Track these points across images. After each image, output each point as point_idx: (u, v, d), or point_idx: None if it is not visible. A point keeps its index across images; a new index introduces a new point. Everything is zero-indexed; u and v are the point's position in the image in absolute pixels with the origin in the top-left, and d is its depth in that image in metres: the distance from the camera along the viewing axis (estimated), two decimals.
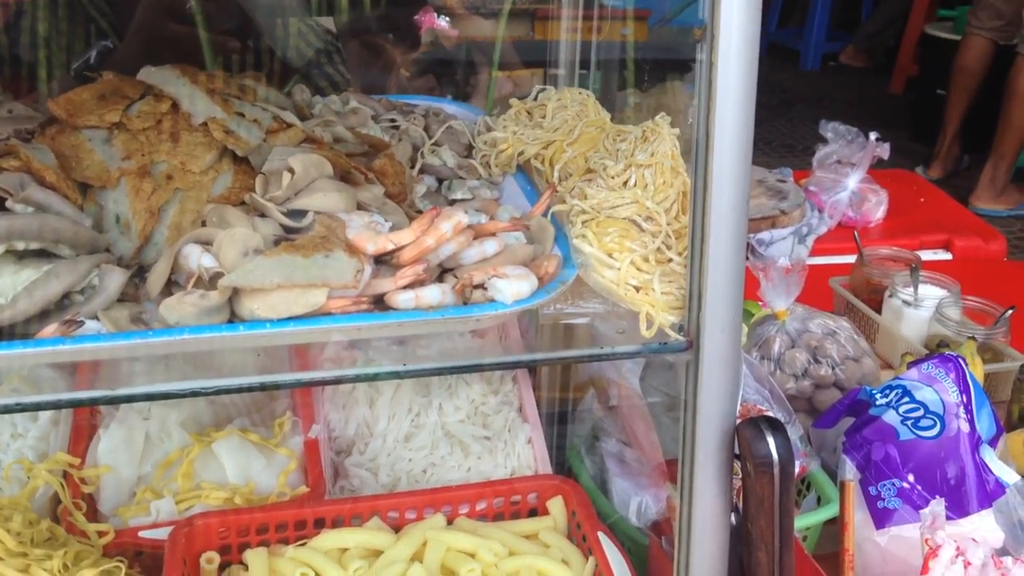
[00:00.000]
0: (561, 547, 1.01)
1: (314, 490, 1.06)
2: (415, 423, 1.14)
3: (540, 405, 1.22)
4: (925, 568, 0.78)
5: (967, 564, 0.77)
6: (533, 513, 1.07)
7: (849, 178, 2.48)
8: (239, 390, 0.71)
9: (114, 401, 0.67)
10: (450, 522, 1.03)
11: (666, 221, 0.81)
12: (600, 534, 1.00)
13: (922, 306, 1.59)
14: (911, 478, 1.12)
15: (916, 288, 1.60)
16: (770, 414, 1.13)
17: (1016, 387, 1.41)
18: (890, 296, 1.62)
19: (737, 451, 0.79)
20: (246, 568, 0.97)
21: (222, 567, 0.99)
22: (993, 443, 1.16)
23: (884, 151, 2.45)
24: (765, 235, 2.27)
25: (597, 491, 1.17)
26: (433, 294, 0.73)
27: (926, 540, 0.79)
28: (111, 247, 0.77)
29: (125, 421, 1.09)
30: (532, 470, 1.13)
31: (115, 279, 0.72)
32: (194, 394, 0.69)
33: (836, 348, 1.30)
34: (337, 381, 0.73)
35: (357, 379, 0.72)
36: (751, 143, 0.71)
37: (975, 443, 1.12)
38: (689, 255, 0.75)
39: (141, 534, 0.99)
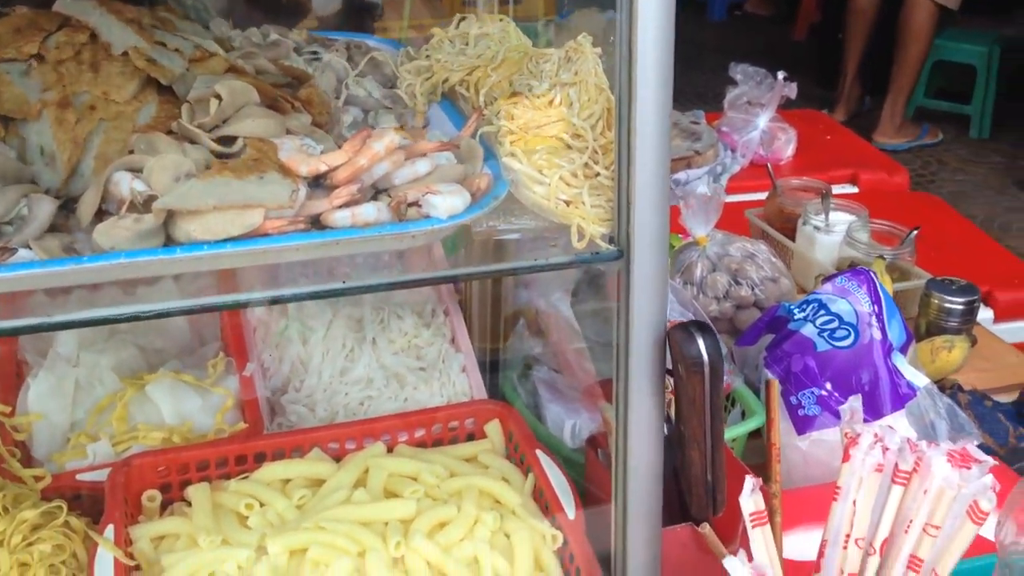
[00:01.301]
0: (501, 467, 1.04)
1: (252, 427, 1.06)
2: (349, 358, 1.15)
3: (472, 338, 1.24)
4: (846, 456, 0.82)
5: (885, 449, 0.82)
6: (471, 438, 1.10)
7: (759, 118, 2.55)
8: (179, 312, 0.71)
9: (52, 328, 0.67)
10: (390, 451, 1.05)
11: (592, 137, 0.83)
12: (538, 452, 1.03)
13: (833, 231, 1.65)
14: (829, 386, 1.18)
15: (827, 214, 1.67)
16: None
17: (923, 302, 1.48)
18: (803, 223, 1.68)
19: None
20: (188, 504, 0.98)
21: (164, 505, 0.99)
22: (903, 350, 1.22)
23: (791, 91, 2.52)
24: (681, 175, 2.32)
25: (532, 418, 1.20)
26: (369, 211, 0.74)
27: (846, 433, 0.84)
28: (36, 179, 0.76)
29: (53, 369, 1.07)
30: (468, 398, 1.16)
31: (44, 208, 0.71)
32: (135, 318, 0.69)
33: (755, 270, 1.35)
34: (276, 300, 0.74)
35: (295, 298, 0.73)
36: (672, 52, 0.73)
37: (887, 350, 1.18)
38: (616, 168, 0.78)
39: (79, 476, 0.98)
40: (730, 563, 0.74)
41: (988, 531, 0.93)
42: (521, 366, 1.28)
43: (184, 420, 1.06)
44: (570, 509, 0.97)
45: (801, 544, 0.91)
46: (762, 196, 1.99)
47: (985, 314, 2.00)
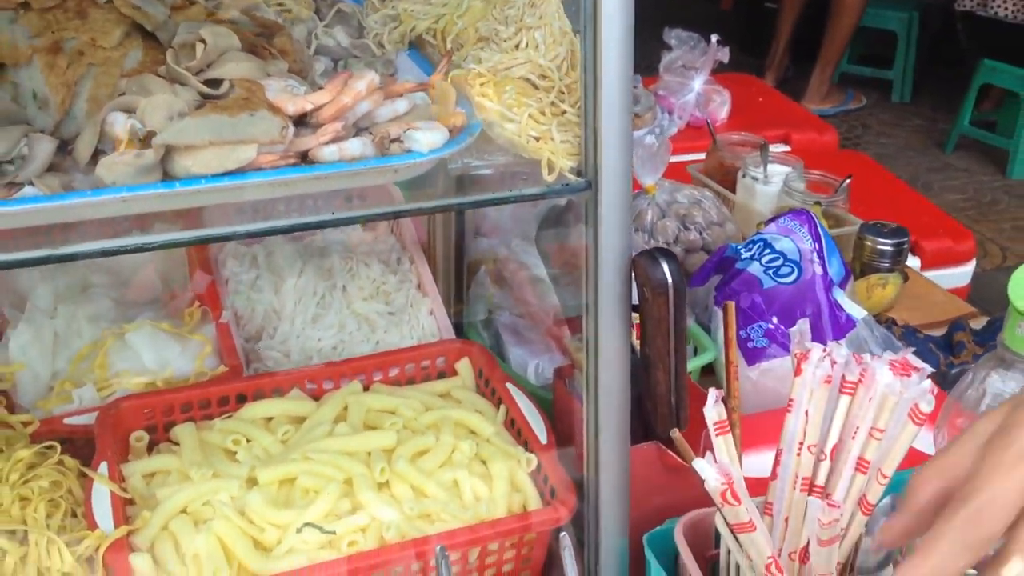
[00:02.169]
0: (473, 401, 1.09)
1: (232, 370, 1.10)
2: (320, 305, 1.19)
3: (437, 287, 1.29)
4: (798, 371, 0.89)
5: (833, 362, 0.89)
6: (442, 376, 1.15)
7: (694, 81, 2.62)
8: (184, 243, 0.75)
9: (61, 259, 0.70)
10: (366, 389, 1.10)
11: (558, 77, 0.89)
12: (508, 384, 1.09)
13: (771, 182, 1.73)
14: (775, 320, 1.25)
15: (765, 166, 1.75)
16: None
17: (857, 245, 1.57)
18: (742, 176, 1.76)
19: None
20: (174, 445, 1.01)
21: (150, 447, 1.02)
22: (843, 285, 1.30)
23: (724, 55, 2.60)
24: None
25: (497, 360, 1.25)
26: (355, 146, 0.78)
27: (797, 352, 0.91)
28: (31, 123, 0.78)
29: (32, 321, 1.10)
30: (436, 339, 1.21)
31: (44, 147, 0.74)
32: (139, 249, 0.73)
33: (702, 215, 1.42)
34: (271, 232, 0.78)
35: (292, 229, 0.77)
36: None
37: (828, 284, 1.26)
38: (583, 103, 0.83)
39: (67, 420, 1.01)
40: (699, 464, 0.81)
41: (926, 445, 1.02)
42: (484, 312, 1.33)
43: (165, 366, 1.09)
44: (541, 435, 1.03)
45: (755, 464, 0.99)
46: (700, 156, 2.07)
47: (912, 262, 2.12)
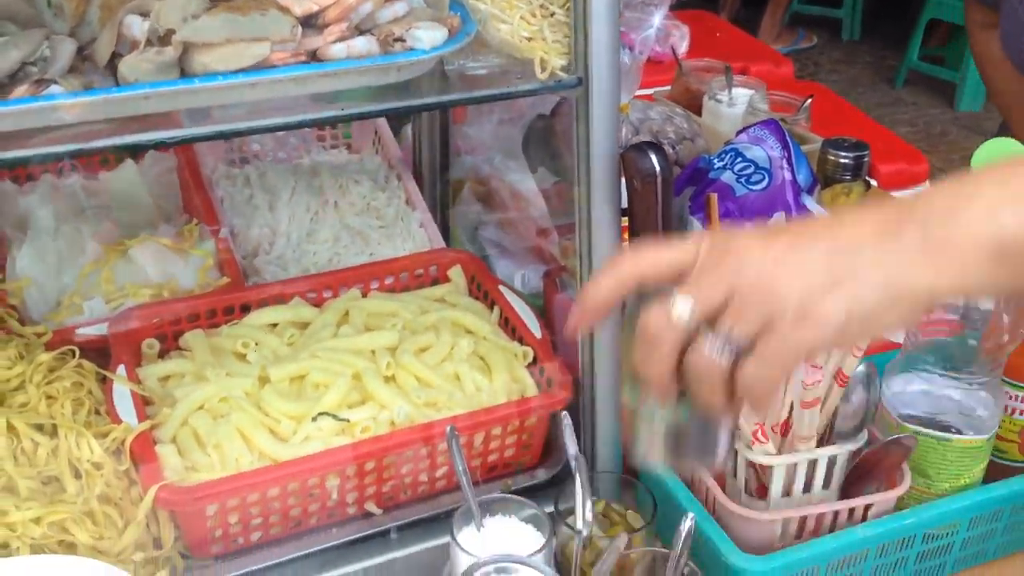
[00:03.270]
0: (467, 304, 1.14)
1: (234, 281, 1.14)
2: (314, 220, 1.24)
3: (424, 201, 1.33)
4: None
5: None
6: (436, 284, 1.20)
7: (654, 16, 2.65)
8: (206, 137, 0.78)
9: (93, 153, 0.74)
10: (364, 297, 1.14)
11: None
12: (500, 287, 1.14)
13: (736, 104, 1.79)
14: (747, 225, 1.32)
15: (730, 89, 1.80)
16: None
17: (820, 160, 1.64)
18: (708, 99, 1.82)
19: None
20: (184, 352, 1.05)
21: (161, 355, 1.06)
22: (810, 191, 1.37)
23: None
24: None
25: None
26: (361, 44, 0.82)
27: None
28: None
29: (36, 241, 1.13)
30: (428, 249, 1.25)
31: (67, 48, 0.77)
32: (161, 144, 0.77)
33: (674, 130, 1.47)
34: (285, 127, 0.82)
35: (305, 124, 0.81)
36: None
37: (796, 190, 1.33)
38: (572, 3, 0.88)
39: (79, 331, 1.05)
40: None
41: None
42: (469, 228, 1.38)
43: (169, 279, 1.13)
44: (536, 330, 1.08)
45: None
46: (664, 89, 2.12)
47: (875, 186, 2.20)
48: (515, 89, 0.89)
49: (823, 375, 0.85)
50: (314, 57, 0.82)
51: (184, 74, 0.78)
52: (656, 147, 0.93)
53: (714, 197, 1.00)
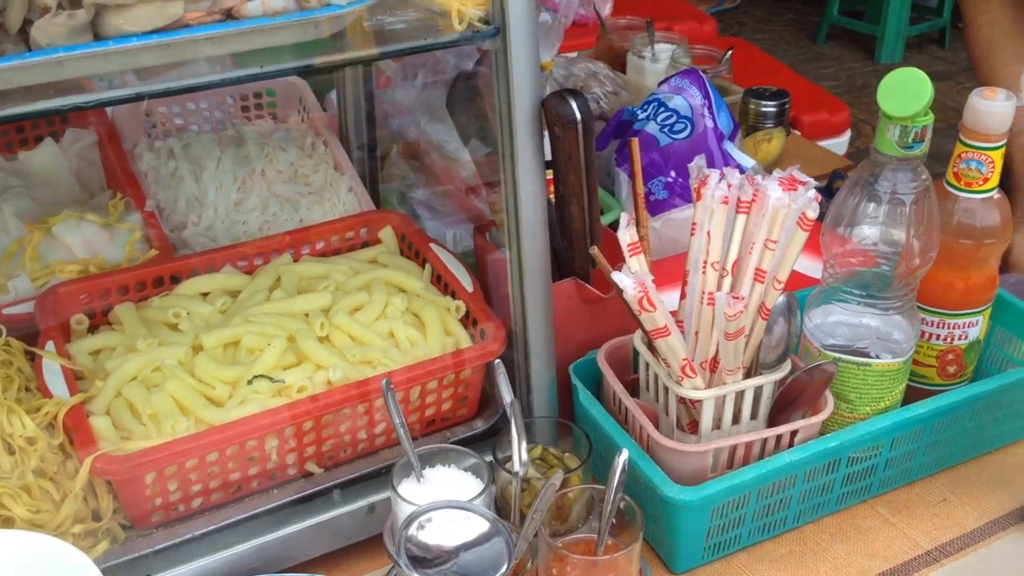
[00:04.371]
0: (399, 263, 1.15)
1: (163, 253, 1.13)
2: (242, 189, 1.23)
3: (353, 167, 1.34)
4: (699, 196, 0.98)
5: (729, 184, 0.98)
6: (367, 246, 1.20)
7: None
8: (123, 100, 0.78)
9: (8, 121, 0.73)
10: (295, 262, 1.14)
11: None
12: (431, 244, 1.15)
13: (659, 59, 1.81)
14: (673, 173, 1.34)
15: (652, 45, 1.82)
16: None
17: (742, 110, 1.67)
18: (631, 55, 1.84)
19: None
20: (115, 326, 1.05)
21: (91, 331, 1.06)
22: (732, 138, 1.40)
23: None
24: None
25: None
26: (277, 1, 0.82)
27: (697, 180, 0.99)
28: None
29: None
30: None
31: None
32: (76, 108, 0.76)
33: (598, 85, 1.49)
34: (206, 86, 0.81)
35: (223, 84, 0.80)
36: None
37: (719, 137, 1.35)
38: None
39: (5, 311, 1.03)
40: (616, 276, 0.89)
41: (816, 272, 1.12)
42: (398, 191, 1.39)
43: (95, 254, 1.11)
44: (468, 284, 1.09)
45: (665, 302, 1.07)
46: (588, 51, 2.13)
47: (794, 134, 2.24)
48: (434, 41, 0.90)
49: (744, 306, 0.88)
50: (229, 16, 0.82)
51: (97, 37, 0.77)
52: (576, 93, 0.94)
53: (635, 142, 1.01)
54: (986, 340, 1.14)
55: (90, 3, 0.75)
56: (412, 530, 0.84)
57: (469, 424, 1.07)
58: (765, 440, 0.97)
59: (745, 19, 4.78)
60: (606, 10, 2.75)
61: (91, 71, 0.78)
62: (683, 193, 1.33)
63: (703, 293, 0.98)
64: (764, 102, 1.64)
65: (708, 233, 0.98)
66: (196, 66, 0.82)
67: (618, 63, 1.89)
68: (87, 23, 0.75)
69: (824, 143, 2.35)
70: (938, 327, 1.07)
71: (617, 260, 0.94)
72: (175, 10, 0.77)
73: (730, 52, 1.79)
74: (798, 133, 2.33)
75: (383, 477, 1.00)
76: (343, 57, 0.87)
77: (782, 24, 4.74)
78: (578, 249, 1.03)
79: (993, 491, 1.07)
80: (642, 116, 1.38)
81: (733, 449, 0.97)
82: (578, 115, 0.93)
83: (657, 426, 1.00)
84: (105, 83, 0.80)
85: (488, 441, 1.02)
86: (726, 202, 0.97)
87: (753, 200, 0.98)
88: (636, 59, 1.82)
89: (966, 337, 1.07)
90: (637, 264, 0.95)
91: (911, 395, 1.05)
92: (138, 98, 0.80)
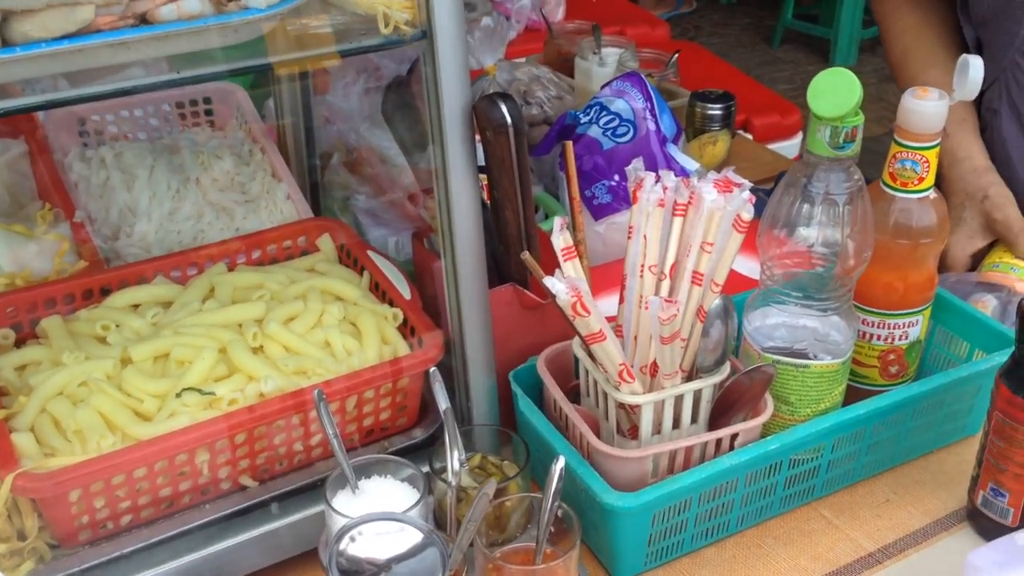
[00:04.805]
0: (337, 272, 1.13)
1: (93, 265, 1.11)
2: (176, 198, 1.21)
3: (292, 176, 1.32)
4: (635, 199, 0.97)
5: (665, 187, 0.97)
6: (305, 255, 1.18)
7: None
8: (35, 108, 0.76)
9: None
10: (231, 271, 1.12)
11: None
12: (369, 252, 1.13)
13: (606, 63, 1.81)
14: (616, 177, 1.34)
15: (599, 48, 1.82)
16: None
17: (688, 114, 1.67)
18: (579, 59, 1.83)
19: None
20: (42, 340, 1.02)
21: (17, 346, 1.03)
22: (675, 140, 1.39)
23: None
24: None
25: None
26: (193, 5, 0.80)
27: (633, 183, 0.98)
28: None
29: None
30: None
31: None
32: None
33: (542, 89, 1.48)
34: (118, 93, 0.79)
35: (139, 89, 0.78)
36: None
37: (662, 140, 1.35)
38: None
39: None
40: (549, 281, 0.88)
41: (753, 272, 1.11)
42: (340, 199, 1.37)
43: (22, 267, 1.09)
44: (405, 292, 1.08)
45: (610, 307, 1.06)
46: (536, 56, 2.13)
47: (746, 137, 2.25)
48: (358, 45, 0.88)
49: (678, 309, 0.87)
50: (144, 21, 0.80)
51: (6, 44, 0.75)
52: (506, 97, 0.93)
53: (569, 145, 1.00)
54: (928, 340, 1.15)
55: None
56: (343, 543, 0.82)
57: (408, 434, 1.05)
58: (705, 444, 0.96)
59: (701, 23, 4.80)
60: (559, 15, 2.75)
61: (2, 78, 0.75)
62: (627, 197, 1.32)
63: (642, 297, 0.98)
64: (710, 105, 1.64)
65: (644, 236, 0.97)
66: (114, 72, 0.80)
67: (566, 68, 1.89)
68: None
69: (775, 146, 2.36)
70: (878, 327, 1.07)
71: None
72: (85, 15, 0.75)
73: (676, 55, 1.79)
74: (749, 136, 2.33)
75: (321, 489, 0.98)
76: (261, 62, 0.85)
77: (738, 28, 4.77)
78: (515, 255, 1.01)
79: (936, 491, 1.07)
80: (584, 120, 1.37)
81: (673, 454, 0.96)
82: (508, 119, 0.92)
83: (598, 432, 0.99)
84: (28, 89, 0.78)
85: (428, 450, 1.00)
86: (662, 205, 0.96)
87: (689, 203, 0.97)
88: (583, 63, 1.82)
89: (907, 337, 1.07)
90: (572, 269, 0.94)
91: (854, 396, 1.05)
92: (52, 105, 0.78)
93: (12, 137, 1.26)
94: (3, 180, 1.22)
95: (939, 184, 1.35)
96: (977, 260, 1.32)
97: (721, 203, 0.94)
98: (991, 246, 1.31)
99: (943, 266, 1.30)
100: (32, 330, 1.04)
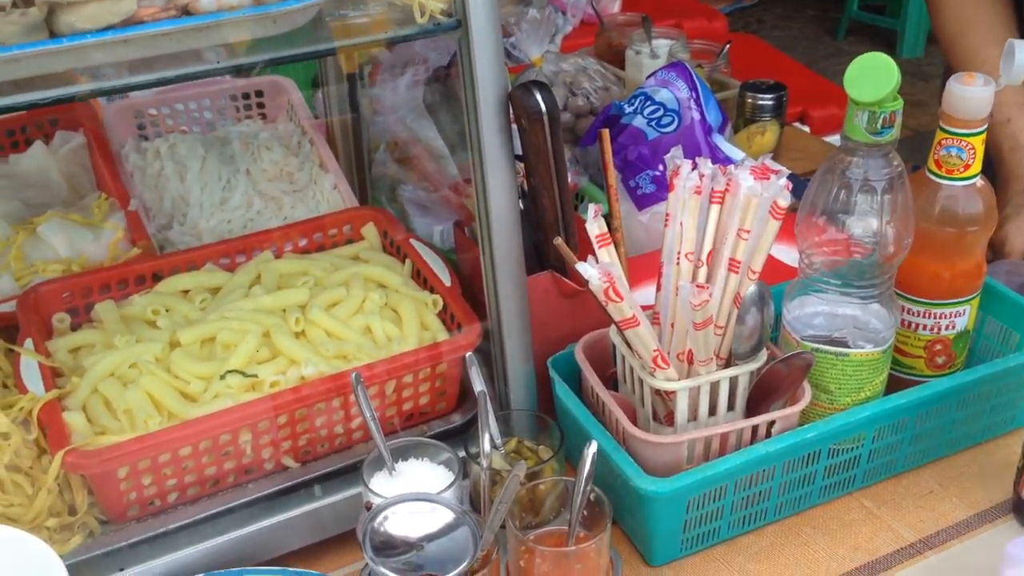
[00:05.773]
0: (380, 259, 1.15)
1: (145, 252, 1.14)
2: (227, 188, 1.24)
3: (339, 167, 1.34)
4: (671, 187, 0.97)
5: (701, 175, 0.97)
6: (350, 243, 1.20)
7: None
8: (83, 95, 0.79)
9: None
10: (277, 258, 1.15)
11: None
12: (412, 240, 1.15)
13: (657, 55, 1.80)
14: (660, 167, 1.33)
15: (650, 40, 1.81)
16: None
17: (739, 104, 1.66)
18: (629, 51, 1.83)
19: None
20: (96, 324, 1.06)
21: (73, 329, 1.07)
22: (721, 130, 1.38)
23: None
24: (514, 39, 2.44)
25: None
26: None
27: (671, 170, 0.98)
28: None
29: None
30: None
31: None
32: (32, 106, 0.77)
33: (588, 81, 1.49)
34: (160, 82, 0.82)
35: (181, 79, 0.81)
36: None
37: (706, 129, 1.34)
38: None
39: None
40: (581, 266, 0.88)
41: (792, 260, 1.10)
42: (387, 189, 1.39)
43: (79, 254, 1.13)
44: (445, 279, 1.09)
45: (650, 296, 1.06)
46: (588, 49, 2.13)
47: (803, 130, 2.22)
48: (394, 34, 0.90)
49: (709, 295, 0.87)
50: (185, 12, 0.82)
51: (52, 35, 0.78)
52: (541, 85, 0.94)
53: (606, 133, 1.01)
54: (978, 331, 1.13)
55: (42, 1, 0.76)
56: (377, 522, 0.84)
57: (447, 419, 1.07)
58: (741, 432, 0.96)
59: (765, 16, 4.74)
60: (614, 8, 2.75)
61: (48, 69, 0.79)
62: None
63: (678, 285, 0.98)
64: (760, 95, 1.62)
65: (681, 224, 0.97)
66: (160, 62, 0.83)
67: (617, 60, 1.88)
68: (40, 21, 0.76)
69: (833, 138, 2.32)
70: (924, 317, 1.05)
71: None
72: (128, 6, 0.78)
73: (728, 46, 1.77)
74: (807, 128, 2.30)
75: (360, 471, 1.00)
76: (301, 51, 0.87)
77: (802, 21, 4.70)
78: (551, 242, 1.02)
79: (982, 484, 1.05)
80: (629, 110, 1.37)
81: (709, 441, 0.96)
82: (543, 106, 0.92)
83: (634, 419, 0.99)
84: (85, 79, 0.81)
85: (466, 435, 1.01)
86: (699, 192, 0.96)
87: (726, 190, 0.97)
88: (634, 55, 1.81)
89: (953, 327, 1.05)
90: (607, 256, 0.94)
91: (901, 386, 1.03)
92: (100, 93, 0.81)
93: (73, 129, 1.30)
94: (63, 170, 1.26)
95: (999, 170, 1.32)
96: None
97: (758, 190, 0.94)
98: None
99: (1000, 254, 1.27)
100: (87, 314, 1.07)
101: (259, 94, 1.41)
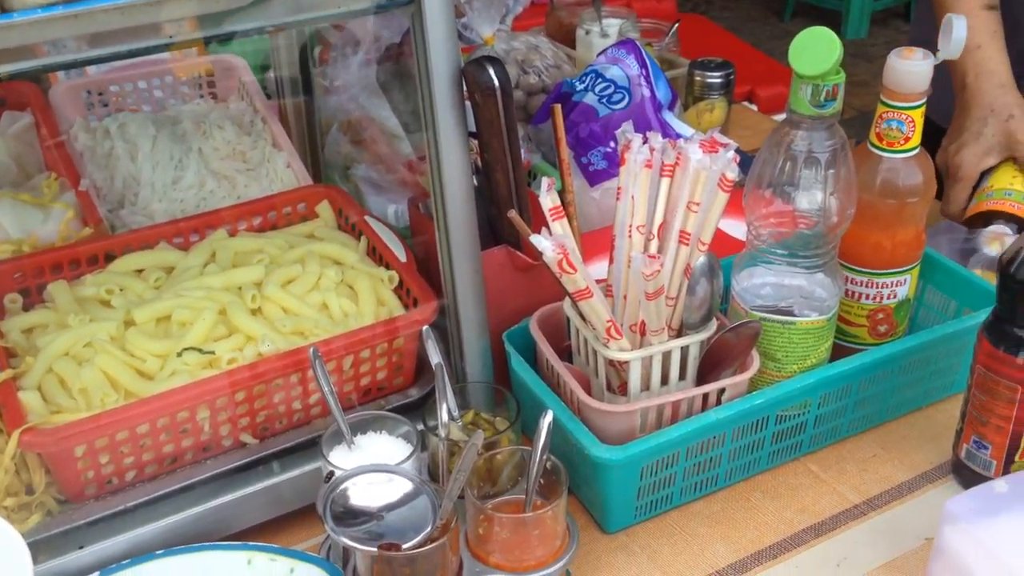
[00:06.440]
0: (335, 237, 1.16)
1: (97, 232, 1.14)
2: (179, 168, 1.23)
3: (293, 145, 1.34)
4: (623, 161, 0.99)
5: (652, 149, 0.99)
6: (304, 221, 1.21)
7: None
8: (31, 70, 0.78)
9: None
10: (232, 237, 1.15)
11: None
12: (367, 218, 1.16)
13: (607, 34, 1.82)
14: (612, 144, 1.35)
15: (600, 19, 1.83)
16: None
17: (687, 83, 1.68)
18: (579, 30, 1.84)
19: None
20: (48, 304, 1.05)
21: (25, 309, 1.06)
22: (671, 107, 1.41)
23: None
24: (465, 19, 2.44)
25: None
26: None
27: (622, 144, 1.00)
28: None
29: None
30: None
31: None
32: None
33: (539, 59, 1.50)
34: (113, 57, 0.82)
35: (135, 53, 0.81)
36: None
37: (657, 106, 1.36)
38: None
39: None
40: (535, 239, 0.90)
41: (740, 233, 1.12)
42: (341, 168, 1.39)
43: (29, 233, 1.12)
44: (401, 255, 1.10)
45: (603, 271, 1.07)
46: (538, 29, 2.14)
47: (751, 108, 2.26)
48: (347, 10, 0.90)
49: (661, 265, 0.89)
50: None
51: (3, 10, 0.78)
52: (494, 60, 0.95)
53: (557, 108, 1.02)
54: (918, 300, 1.16)
55: None
56: (337, 492, 0.85)
57: (404, 393, 1.08)
58: (692, 399, 0.98)
59: None
60: None
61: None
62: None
63: (630, 257, 0.99)
64: (708, 73, 1.65)
65: (632, 197, 0.99)
66: (109, 37, 0.82)
67: (568, 39, 1.90)
68: None
69: (780, 117, 2.36)
70: (867, 287, 1.08)
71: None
72: None
73: (676, 25, 1.80)
74: (754, 107, 2.34)
75: (319, 446, 1.01)
76: (250, 26, 0.87)
77: (749, 2, 4.75)
78: (505, 216, 1.03)
79: (922, 446, 1.09)
80: (580, 87, 1.38)
81: (661, 409, 0.98)
82: (496, 81, 0.93)
83: (588, 390, 1.01)
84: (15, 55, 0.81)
85: (423, 409, 1.02)
86: (649, 166, 0.98)
87: (676, 163, 0.99)
88: (584, 34, 1.83)
89: (895, 296, 1.09)
90: (560, 228, 0.96)
91: (844, 355, 1.07)
92: (47, 69, 0.81)
93: (19, 109, 1.29)
94: (11, 151, 1.25)
95: (959, 96, 1.33)
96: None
97: (707, 163, 0.96)
98: (996, 166, 1.30)
99: (954, 179, 1.29)
100: (39, 294, 1.07)
101: (210, 73, 1.40)
